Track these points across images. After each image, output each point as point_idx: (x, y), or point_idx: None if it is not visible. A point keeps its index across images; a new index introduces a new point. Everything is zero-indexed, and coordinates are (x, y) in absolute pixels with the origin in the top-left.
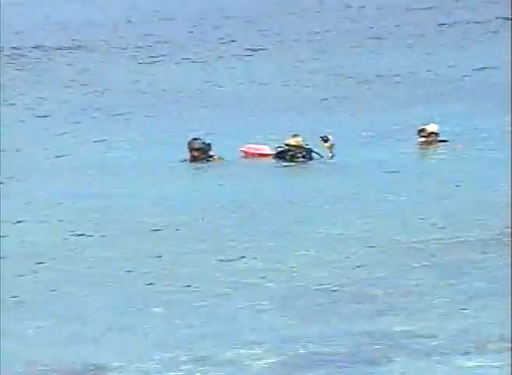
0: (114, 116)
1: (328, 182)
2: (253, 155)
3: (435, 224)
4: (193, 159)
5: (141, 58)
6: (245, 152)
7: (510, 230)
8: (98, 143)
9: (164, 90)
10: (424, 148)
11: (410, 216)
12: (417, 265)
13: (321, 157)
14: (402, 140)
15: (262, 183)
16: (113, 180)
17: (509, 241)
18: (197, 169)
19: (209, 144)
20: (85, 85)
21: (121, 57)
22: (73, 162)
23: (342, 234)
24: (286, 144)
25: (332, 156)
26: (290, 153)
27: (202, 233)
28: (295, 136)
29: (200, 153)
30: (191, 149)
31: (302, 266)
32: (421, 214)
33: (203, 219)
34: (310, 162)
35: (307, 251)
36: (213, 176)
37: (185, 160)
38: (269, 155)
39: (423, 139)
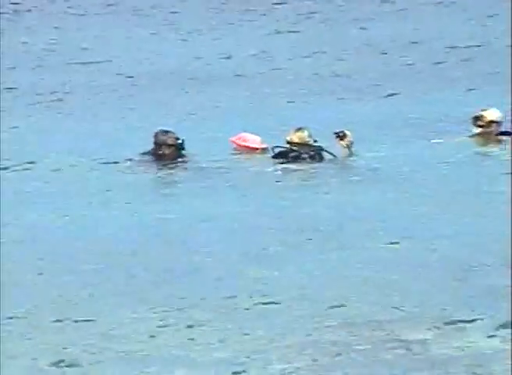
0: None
1: (344, 193)
2: (240, 147)
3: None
4: (161, 158)
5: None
6: (235, 144)
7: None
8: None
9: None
10: (480, 143)
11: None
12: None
13: (335, 157)
14: (451, 131)
15: (252, 201)
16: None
17: None
18: (167, 175)
19: (183, 142)
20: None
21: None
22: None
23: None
24: (288, 142)
25: (349, 156)
26: (293, 154)
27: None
28: (299, 130)
29: (172, 151)
30: (160, 144)
31: None
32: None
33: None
34: (320, 164)
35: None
36: (189, 189)
37: (147, 154)
38: (257, 149)
39: (479, 130)
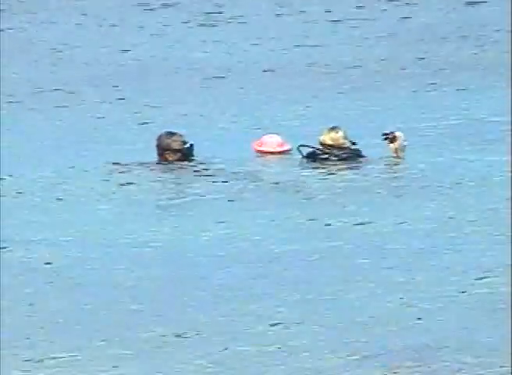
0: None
1: (374, 207)
2: (259, 152)
3: None
4: (165, 165)
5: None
6: (255, 149)
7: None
8: None
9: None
10: None
11: None
12: None
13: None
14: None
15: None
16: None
17: None
18: (170, 187)
19: (192, 146)
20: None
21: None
22: None
23: None
24: (321, 143)
25: (397, 162)
26: (323, 156)
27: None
28: (332, 130)
29: (178, 157)
30: (164, 149)
31: None
32: None
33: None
34: (352, 170)
35: None
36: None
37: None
38: (272, 153)
39: None
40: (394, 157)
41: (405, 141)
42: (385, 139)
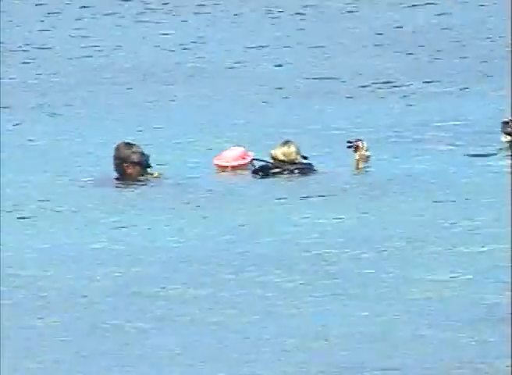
0: None
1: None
2: (217, 167)
3: None
4: (123, 178)
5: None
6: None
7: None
8: None
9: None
10: (508, 155)
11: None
12: None
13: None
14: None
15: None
16: None
17: None
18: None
19: (148, 158)
20: None
21: None
22: None
23: None
24: (273, 158)
25: (359, 171)
26: (274, 171)
27: None
28: (285, 144)
29: (137, 171)
30: (123, 160)
31: None
32: None
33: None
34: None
35: None
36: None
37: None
38: (227, 167)
39: (508, 138)
40: (355, 167)
41: (367, 150)
42: (349, 147)
